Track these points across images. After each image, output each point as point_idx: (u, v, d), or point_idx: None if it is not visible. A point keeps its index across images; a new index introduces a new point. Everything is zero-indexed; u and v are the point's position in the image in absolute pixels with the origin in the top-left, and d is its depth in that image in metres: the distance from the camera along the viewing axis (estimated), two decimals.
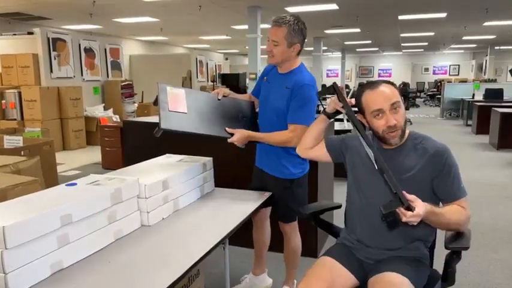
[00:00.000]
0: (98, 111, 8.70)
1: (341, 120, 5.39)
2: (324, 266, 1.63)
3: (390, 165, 1.55)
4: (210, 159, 2.31)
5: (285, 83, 2.09)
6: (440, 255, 1.66)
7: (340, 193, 4.68)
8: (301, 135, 1.95)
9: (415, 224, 1.36)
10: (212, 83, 12.85)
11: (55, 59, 8.13)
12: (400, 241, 1.59)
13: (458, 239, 1.53)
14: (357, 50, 20.46)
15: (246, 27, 8.77)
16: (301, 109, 2.04)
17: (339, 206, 1.98)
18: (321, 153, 1.87)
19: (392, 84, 1.61)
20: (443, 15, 9.34)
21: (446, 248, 1.53)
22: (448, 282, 1.59)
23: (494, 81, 15.54)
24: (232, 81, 11.63)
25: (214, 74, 13.95)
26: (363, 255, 1.66)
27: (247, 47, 9.13)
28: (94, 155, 6.94)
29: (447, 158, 1.55)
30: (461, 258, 1.56)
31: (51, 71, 8.04)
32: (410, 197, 1.36)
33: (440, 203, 1.59)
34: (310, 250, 2.96)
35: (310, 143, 1.88)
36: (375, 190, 1.60)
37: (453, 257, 1.56)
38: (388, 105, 1.53)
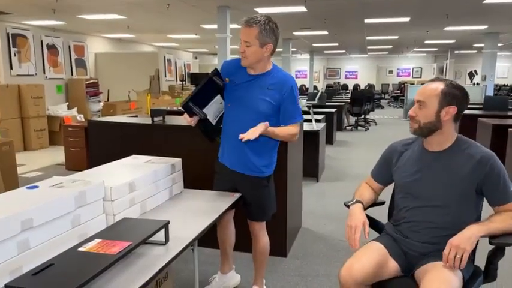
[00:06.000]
0: (61, 110, 8.41)
1: (309, 121, 5.46)
2: (374, 250, 1.71)
3: (435, 167, 1.67)
4: (179, 160, 2.28)
5: (265, 84, 2.10)
6: (480, 250, 1.71)
7: (309, 193, 4.78)
8: (298, 130, 2.21)
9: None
10: (181, 83, 12.70)
11: (15, 55, 7.81)
12: (443, 236, 1.61)
13: (504, 236, 1.56)
14: (325, 52, 20.79)
15: (215, 26, 8.72)
16: (295, 107, 2.16)
17: (383, 203, 2.00)
18: (380, 190, 1.96)
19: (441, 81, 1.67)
20: (407, 19, 9.65)
21: (490, 243, 1.58)
22: (490, 279, 1.62)
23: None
24: (202, 81, 11.54)
25: (183, 73, 13.81)
26: (407, 246, 1.72)
27: (216, 47, 9.09)
28: (57, 155, 6.70)
29: (492, 164, 1.60)
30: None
31: (11, 68, 7.71)
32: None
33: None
34: (279, 249, 2.99)
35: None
36: (419, 188, 1.71)
37: (496, 253, 1.60)
38: (415, 100, 1.68)
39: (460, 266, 1.50)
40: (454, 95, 1.62)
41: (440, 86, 1.64)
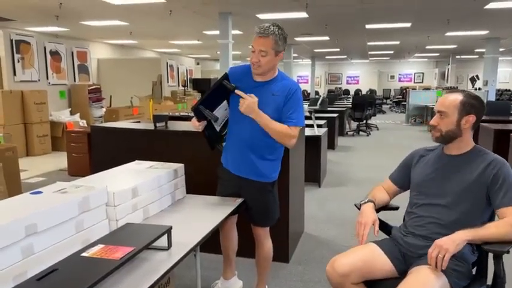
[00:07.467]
0: (64, 115, 8.45)
1: (311, 126, 5.46)
2: (367, 248, 1.79)
3: (449, 168, 1.76)
4: (182, 165, 2.29)
5: (270, 90, 2.12)
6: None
7: (311, 198, 4.77)
8: (297, 136, 2.11)
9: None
10: (183, 88, 12.75)
11: (18, 61, 7.86)
12: (444, 235, 1.60)
13: (498, 243, 1.57)
14: (326, 57, 20.83)
15: (217, 32, 8.77)
16: (297, 111, 2.12)
17: (397, 208, 2.04)
18: (394, 194, 2.03)
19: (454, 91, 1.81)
20: (408, 25, 9.68)
21: (482, 249, 1.61)
22: None
23: (456, 88, 16.23)
24: (204, 86, 11.57)
25: (186, 78, 13.86)
26: (406, 248, 1.77)
27: (218, 52, 9.13)
28: (60, 161, 6.73)
29: (501, 168, 1.68)
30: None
31: (15, 74, 7.77)
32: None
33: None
34: (282, 255, 2.99)
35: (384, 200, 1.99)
36: (431, 187, 1.80)
37: (494, 261, 1.59)
38: (436, 110, 1.79)
39: (442, 267, 1.53)
40: (472, 105, 1.73)
41: (459, 97, 1.75)
